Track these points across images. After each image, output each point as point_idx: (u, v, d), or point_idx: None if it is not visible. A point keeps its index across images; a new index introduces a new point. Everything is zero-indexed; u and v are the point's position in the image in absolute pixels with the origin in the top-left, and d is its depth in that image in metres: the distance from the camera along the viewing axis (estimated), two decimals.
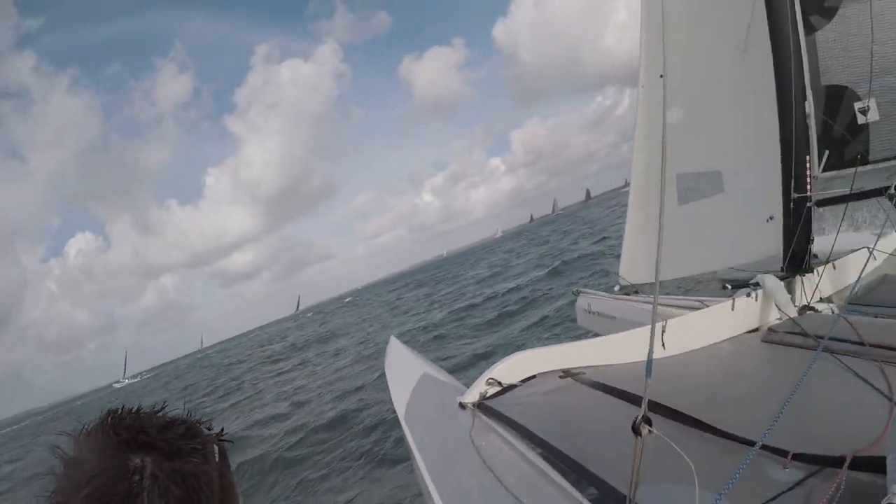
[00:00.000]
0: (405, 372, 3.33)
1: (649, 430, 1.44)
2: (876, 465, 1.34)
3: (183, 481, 0.56)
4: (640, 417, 1.40)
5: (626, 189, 4.05)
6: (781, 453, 1.54)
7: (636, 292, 3.72)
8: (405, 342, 4.00)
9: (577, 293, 4.40)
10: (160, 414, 0.62)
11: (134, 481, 0.54)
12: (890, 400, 1.77)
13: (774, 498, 1.41)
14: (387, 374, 3.54)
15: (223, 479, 0.62)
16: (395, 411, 2.94)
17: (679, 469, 1.44)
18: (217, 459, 0.63)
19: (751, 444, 1.64)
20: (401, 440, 5.05)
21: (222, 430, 0.66)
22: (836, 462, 1.44)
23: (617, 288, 3.91)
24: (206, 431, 0.64)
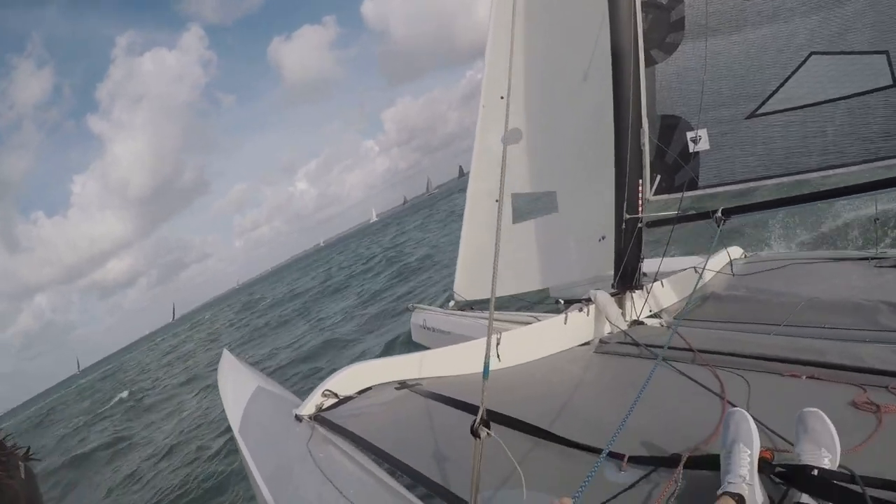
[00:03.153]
0: (238, 385, 3.27)
1: (488, 433, 1.51)
2: (710, 462, 1.45)
3: None
4: (478, 420, 1.43)
5: None
6: (618, 457, 1.63)
7: (471, 308, 3.81)
8: (237, 355, 3.98)
9: (412, 308, 4.41)
10: None
11: None
12: (722, 399, 1.94)
13: (612, 498, 1.49)
14: (220, 387, 3.48)
15: (29, 496, 0.61)
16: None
17: (515, 474, 1.51)
18: (23, 476, 0.61)
19: (588, 449, 1.73)
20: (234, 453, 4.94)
21: (28, 449, 0.65)
22: (671, 462, 1.53)
23: (451, 304, 3.98)
24: (9, 448, 0.63)
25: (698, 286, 3.29)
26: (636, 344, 2.79)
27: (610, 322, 3.16)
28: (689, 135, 3.35)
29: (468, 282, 3.70)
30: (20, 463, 0.63)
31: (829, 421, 1.41)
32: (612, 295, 3.21)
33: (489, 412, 1.49)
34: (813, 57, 3.44)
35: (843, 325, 2.55)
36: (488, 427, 1.45)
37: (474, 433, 1.44)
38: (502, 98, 3.32)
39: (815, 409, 1.44)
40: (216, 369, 3.91)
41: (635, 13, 3.28)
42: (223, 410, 3.29)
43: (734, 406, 1.65)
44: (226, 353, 3.98)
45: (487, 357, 1.58)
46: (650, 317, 3.31)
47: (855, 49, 3.33)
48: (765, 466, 1.37)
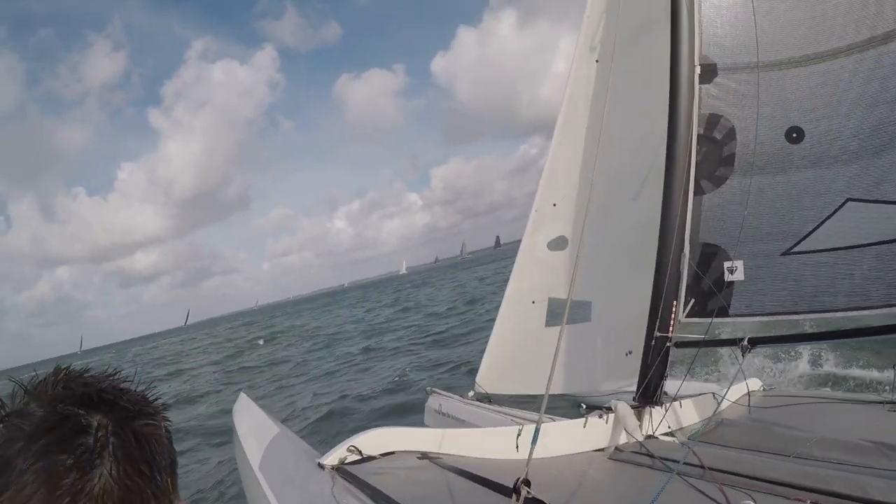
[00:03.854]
0: (256, 427, 3.39)
1: (528, 492, 1.65)
2: None
3: (145, 442, 0.56)
4: (520, 479, 1.59)
5: None
6: None
7: (489, 401, 3.86)
8: (254, 398, 4.08)
9: (430, 392, 4.42)
10: (115, 377, 0.61)
11: (99, 437, 0.52)
12: None
13: None
14: (236, 427, 3.57)
15: (171, 452, 0.62)
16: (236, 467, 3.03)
17: None
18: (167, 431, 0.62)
19: None
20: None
21: (165, 405, 0.64)
22: None
23: (471, 394, 4.02)
24: (155, 402, 0.63)
25: (717, 412, 3.39)
26: (650, 455, 2.88)
27: (627, 432, 3.24)
28: (727, 264, 3.50)
29: (493, 375, 3.77)
30: (164, 421, 0.62)
31: None
32: (633, 407, 3.30)
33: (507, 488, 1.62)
34: (849, 203, 3.63)
35: (850, 462, 2.63)
36: (529, 486, 1.62)
37: (516, 490, 1.60)
38: (555, 205, 3.52)
39: None
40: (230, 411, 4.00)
41: (691, 144, 3.49)
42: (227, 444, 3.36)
43: None
44: (242, 396, 4.10)
45: (538, 425, 1.89)
46: (666, 434, 3.40)
47: (889, 199, 3.52)
48: None
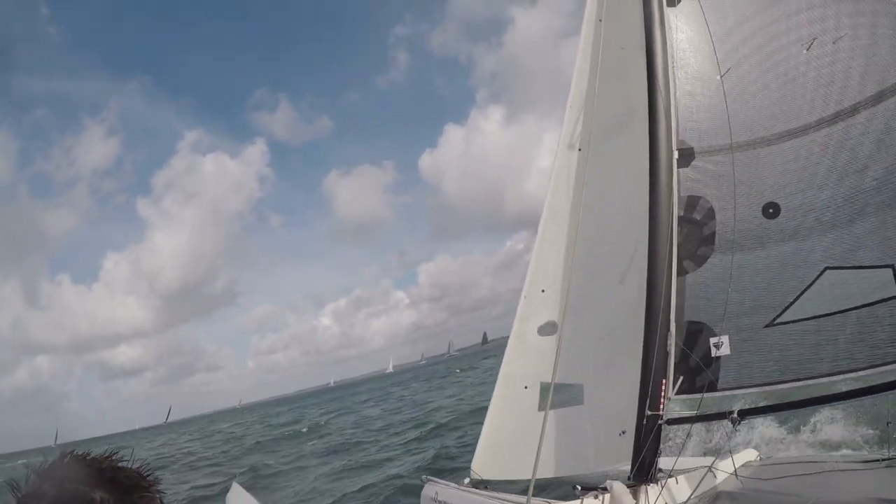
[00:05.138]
0: None
1: None
2: None
3: None
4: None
5: None
6: None
7: (485, 486, 3.88)
8: (248, 488, 4.14)
9: (425, 480, 4.43)
10: (113, 458, 0.71)
11: None
12: None
13: None
14: None
15: None
16: None
17: None
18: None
19: None
20: None
21: (157, 479, 0.74)
22: None
23: (467, 481, 4.03)
24: (150, 480, 0.73)
25: (713, 485, 3.47)
26: None
27: None
28: (713, 340, 3.64)
29: (488, 461, 3.82)
30: (158, 494, 0.70)
31: None
32: (628, 486, 3.39)
33: None
34: (827, 271, 3.79)
35: None
36: None
37: None
38: (543, 291, 3.69)
39: None
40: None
41: (672, 226, 3.68)
42: None
43: None
44: (235, 486, 4.18)
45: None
46: None
47: (865, 264, 3.68)
48: None
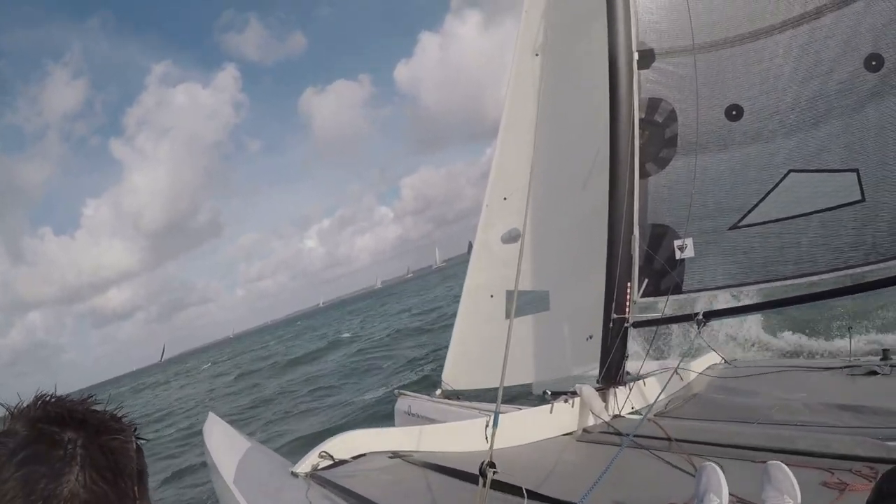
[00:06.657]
0: (227, 443, 3.42)
1: (494, 472, 1.72)
2: None
3: (111, 453, 0.65)
4: (485, 462, 1.67)
5: None
6: None
7: (457, 397, 3.91)
8: (223, 416, 4.10)
9: (398, 394, 4.46)
10: (88, 401, 0.70)
11: (69, 449, 0.62)
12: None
13: None
14: (207, 446, 3.60)
15: (140, 463, 0.70)
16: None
17: None
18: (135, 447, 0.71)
19: None
20: None
21: (136, 428, 0.73)
22: None
23: (438, 392, 4.08)
24: (125, 422, 0.71)
25: (679, 387, 3.50)
26: (618, 433, 2.97)
27: (594, 414, 3.33)
28: (677, 243, 3.61)
29: (458, 371, 3.83)
30: (133, 437, 0.70)
31: (790, 472, 1.58)
32: (597, 390, 3.40)
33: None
34: (791, 174, 3.76)
35: (814, 423, 2.72)
36: (494, 466, 1.69)
37: (482, 473, 1.68)
38: (505, 199, 3.59)
39: (778, 462, 1.62)
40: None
41: (633, 129, 3.58)
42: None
43: None
44: (211, 415, 4.13)
45: (498, 407, 1.98)
46: (632, 413, 3.50)
47: (829, 167, 3.66)
48: None
